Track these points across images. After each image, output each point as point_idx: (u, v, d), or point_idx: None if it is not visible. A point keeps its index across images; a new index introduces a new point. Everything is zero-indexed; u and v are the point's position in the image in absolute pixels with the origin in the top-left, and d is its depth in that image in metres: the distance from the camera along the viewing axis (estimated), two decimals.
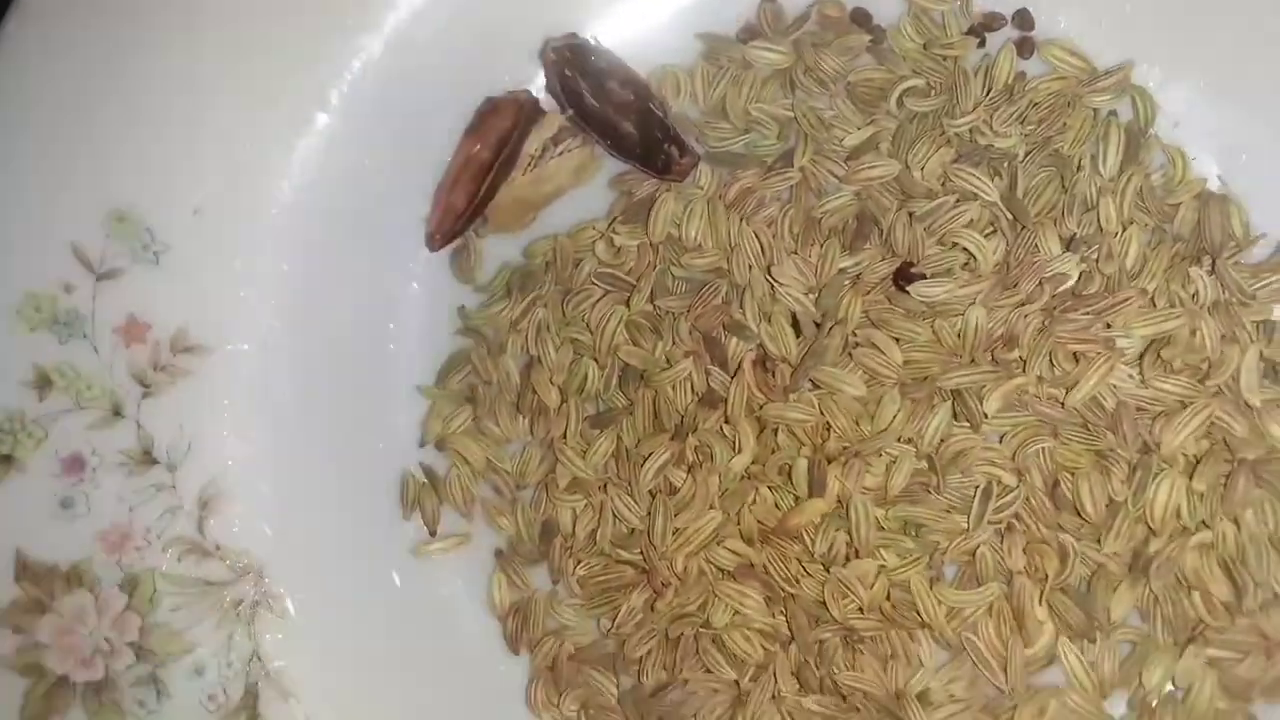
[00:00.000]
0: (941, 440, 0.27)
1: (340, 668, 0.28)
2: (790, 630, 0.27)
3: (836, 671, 0.27)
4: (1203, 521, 0.26)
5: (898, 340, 0.28)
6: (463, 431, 0.30)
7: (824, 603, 0.27)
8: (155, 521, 0.28)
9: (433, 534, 0.30)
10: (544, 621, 0.29)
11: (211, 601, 0.28)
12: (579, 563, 0.29)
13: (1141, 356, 0.27)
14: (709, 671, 0.27)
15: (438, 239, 0.32)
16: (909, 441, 0.27)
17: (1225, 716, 0.26)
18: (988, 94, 0.29)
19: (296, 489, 0.29)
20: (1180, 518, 0.26)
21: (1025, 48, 0.30)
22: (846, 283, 0.29)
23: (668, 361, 0.29)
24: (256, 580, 0.28)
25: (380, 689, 0.28)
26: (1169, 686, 0.26)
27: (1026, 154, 0.29)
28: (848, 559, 0.27)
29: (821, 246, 0.29)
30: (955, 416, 0.27)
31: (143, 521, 0.28)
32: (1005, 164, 0.29)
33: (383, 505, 0.30)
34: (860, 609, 0.27)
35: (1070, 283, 0.28)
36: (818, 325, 0.29)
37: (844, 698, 0.27)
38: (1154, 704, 0.26)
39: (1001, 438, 0.27)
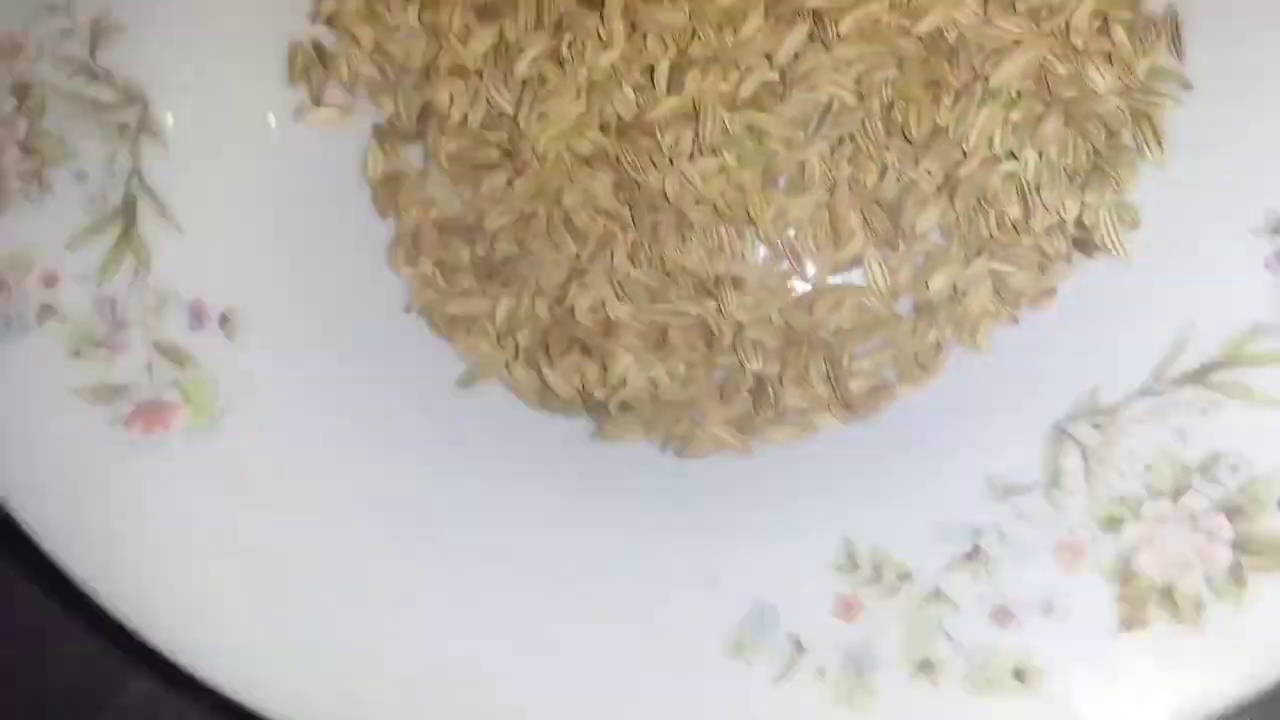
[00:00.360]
0: (795, 56, 0.29)
1: (218, 202, 0.30)
2: (631, 216, 0.30)
3: (666, 253, 0.29)
4: (1011, 151, 0.29)
5: None
6: (355, 12, 0.32)
7: (665, 193, 0.29)
8: (47, 39, 0.30)
9: (316, 103, 0.32)
10: (413, 192, 0.31)
11: (97, 120, 0.30)
12: (450, 141, 0.31)
13: None
14: (556, 247, 0.30)
15: None
16: (766, 55, 0.29)
17: (991, 316, 0.29)
18: None
19: (190, 36, 0.30)
20: (992, 146, 0.28)
21: None
22: None
23: None
24: (143, 109, 0.30)
25: (253, 227, 0.30)
26: (950, 292, 0.29)
27: None
28: (692, 156, 0.29)
29: None
30: (811, 37, 0.29)
31: (35, 37, 0.30)
32: None
33: (270, 70, 0.31)
34: (697, 201, 0.30)
35: None
36: None
37: (668, 274, 0.30)
38: (934, 304, 0.29)
39: (850, 62, 0.29)
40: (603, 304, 0.30)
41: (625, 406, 0.30)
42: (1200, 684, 0.25)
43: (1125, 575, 0.26)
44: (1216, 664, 0.25)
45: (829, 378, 0.30)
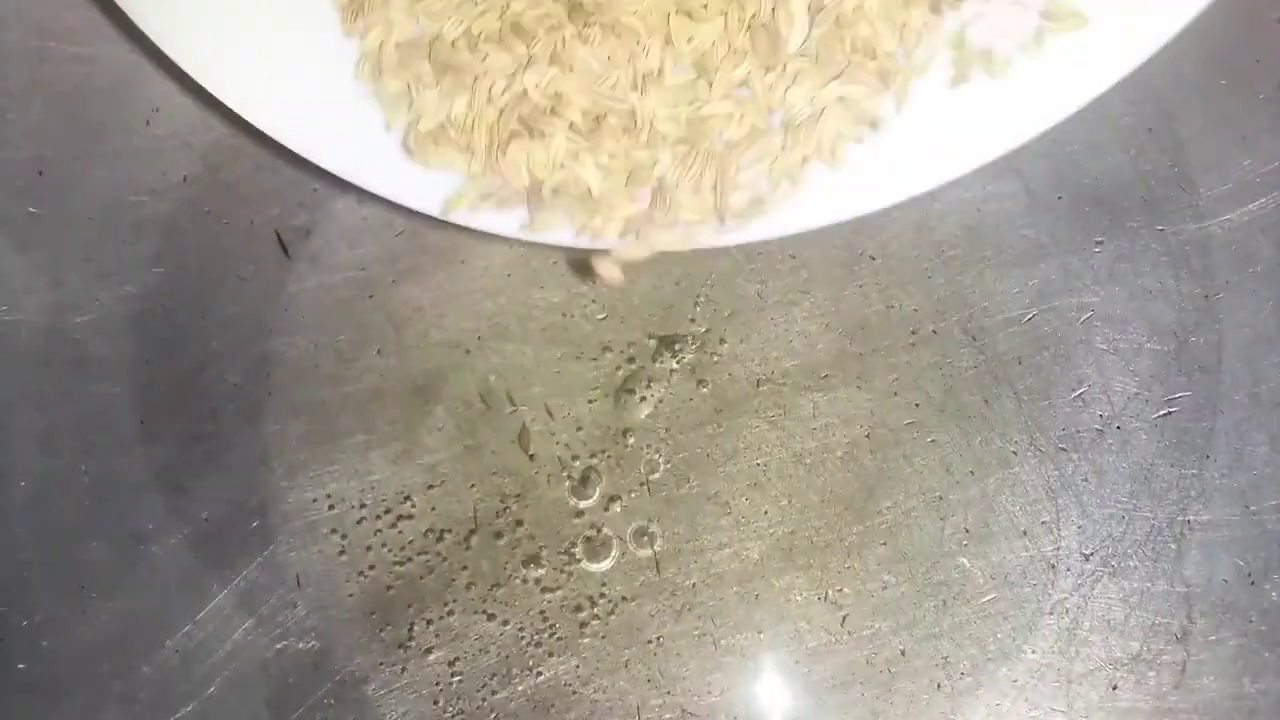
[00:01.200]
0: None
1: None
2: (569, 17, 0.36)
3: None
4: None
5: None
6: None
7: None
8: None
9: None
10: (376, 13, 0.36)
11: None
12: None
13: None
14: (507, 49, 0.36)
15: None
16: None
17: (845, 138, 0.36)
18: None
19: None
20: None
21: None
22: None
23: None
24: None
25: None
26: (808, 111, 0.36)
27: None
28: None
29: None
30: None
31: None
32: None
33: None
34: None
35: None
36: None
37: (609, 59, 0.36)
38: (798, 122, 0.36)
39: None
40: (551, 80, 0.35)
41: (557, 192, 0.37)
42: (1008, 121, 0.36)
43: (958, 44, 0.36)
44: (1021, 105, 0.36)
45: (716, 187, 0.37)
